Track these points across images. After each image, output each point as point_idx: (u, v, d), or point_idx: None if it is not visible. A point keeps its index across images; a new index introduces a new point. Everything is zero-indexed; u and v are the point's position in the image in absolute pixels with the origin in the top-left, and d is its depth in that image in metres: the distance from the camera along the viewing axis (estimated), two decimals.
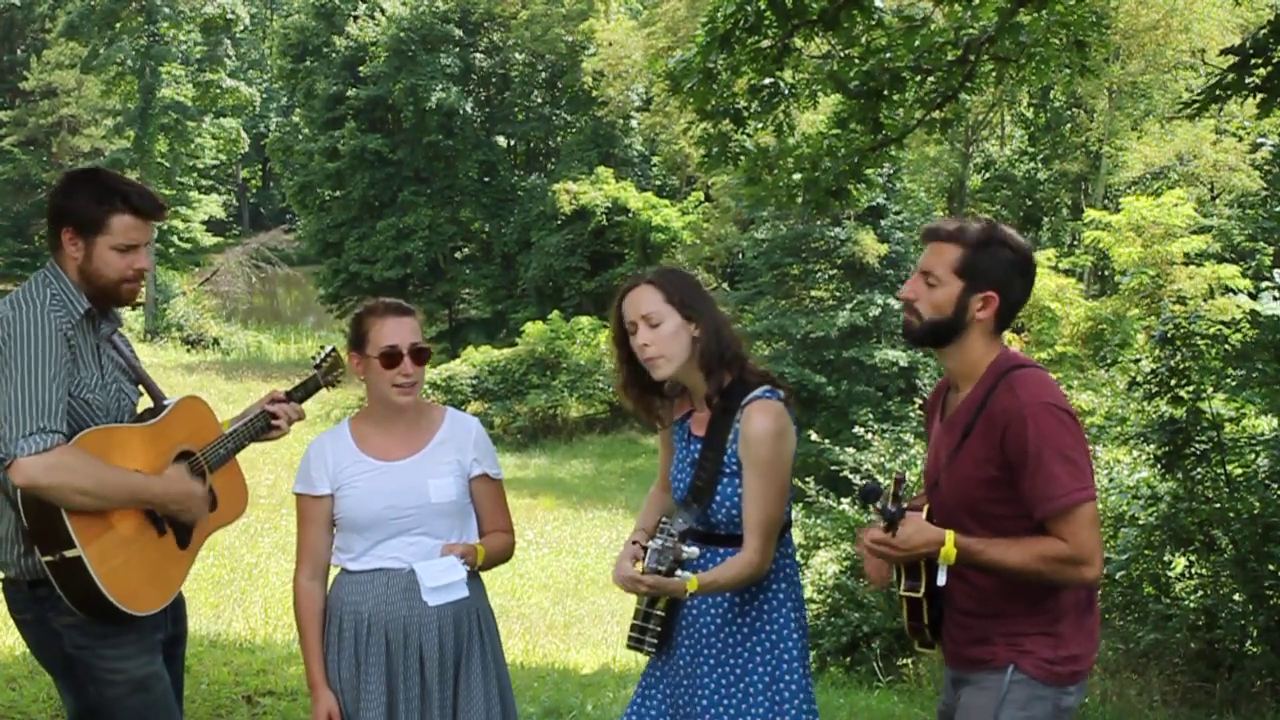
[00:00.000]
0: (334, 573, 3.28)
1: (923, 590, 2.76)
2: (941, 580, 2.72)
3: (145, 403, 3.19)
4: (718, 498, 2.98)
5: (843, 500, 9.63)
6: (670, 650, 3.11)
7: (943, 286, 2.73)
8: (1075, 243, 29.55)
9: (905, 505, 2.72)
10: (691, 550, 2.79)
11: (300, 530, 3.25)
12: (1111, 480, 7.72)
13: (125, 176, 3.10)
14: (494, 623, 3.33)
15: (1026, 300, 2.82)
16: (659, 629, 3.02)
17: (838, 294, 27.67)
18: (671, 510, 3.31)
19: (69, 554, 2.77)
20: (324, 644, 3.22)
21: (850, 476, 9.99)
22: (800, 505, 10.43)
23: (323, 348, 3.55)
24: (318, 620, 3.19)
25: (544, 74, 39.11)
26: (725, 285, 33.91)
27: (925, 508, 2.81)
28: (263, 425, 3.30)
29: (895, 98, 7.53)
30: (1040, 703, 2.71)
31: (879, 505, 2.69)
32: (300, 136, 39.60)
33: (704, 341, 2.96)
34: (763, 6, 7.04)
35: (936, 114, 7.78)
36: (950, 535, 2.64)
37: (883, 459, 9.74)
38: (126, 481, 2.88)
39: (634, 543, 3.09)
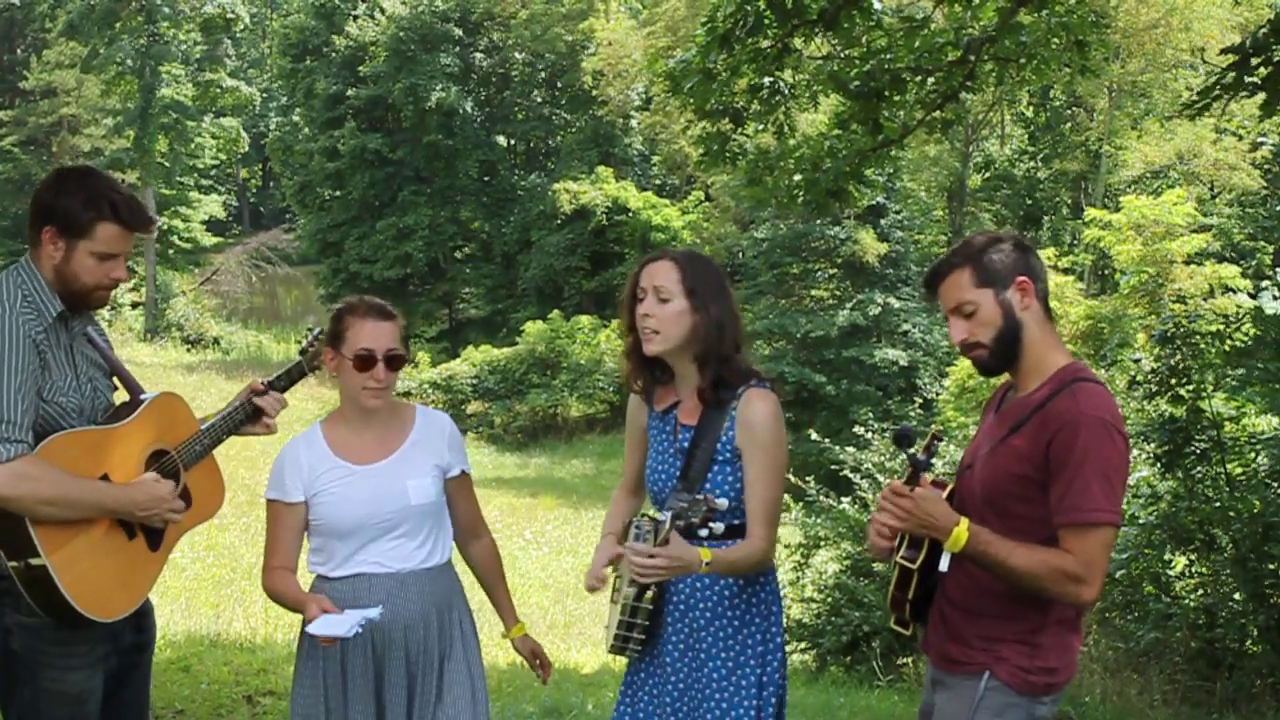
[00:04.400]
0: (310, 580, 3.22)
1: (918, 563, 2.77)
2: (944, 566, 2.72)
3: (121, 395, 3.13)
4: (708, 485, 2.98)
5: (843, 500, 9.63)
6: (657, 648, 3.08)
7: (980, 307, 2.74)
8: (1075, 242, 29.54)
9: (935, 461, 2.70)
10: (721, 501, 2.70)
11: (270, 532, 3.20)
12: None
13: (116, 181, 3.02)
14: (471, 617, 3.31)
15: (1045, 271, 2.82)
16: (646, 624, 3.00)
17: (838, 293, 27.68)
18: (634, 513, 3.29)
19: (34, 562, 2.73)
20: (302, 650, 3.18)
21: (850, 476, 9.99)
22: (800, 505, 10.42)
23: (310, 330, 3.44)
24: (296, 585, 3.15)
25: (544, 73, 39.09)
26: None
27: (949, 488, 2.82)
28: (242, 418, 3.22)
29: (895, 98, 7.54)
30: (1014, 710, 2.71)
31: (910, 450, 2.69)
32: (300, 136, 39.60)
33: (704, 333, 2.98)
34: (762, 6, 7.04)
35: (937, 114, 7.79)
36: (965, 521, 2.64)
37: (883, 458, 9.73)
38: (92, 491, 2.82)
39: (637, 526, 3.08)
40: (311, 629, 2.96)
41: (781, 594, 3.21)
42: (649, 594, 2.98)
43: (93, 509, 2.84)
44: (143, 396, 3.09)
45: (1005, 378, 2.91)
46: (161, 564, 3.06)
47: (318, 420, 3.34)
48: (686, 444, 3.02)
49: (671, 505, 2.92)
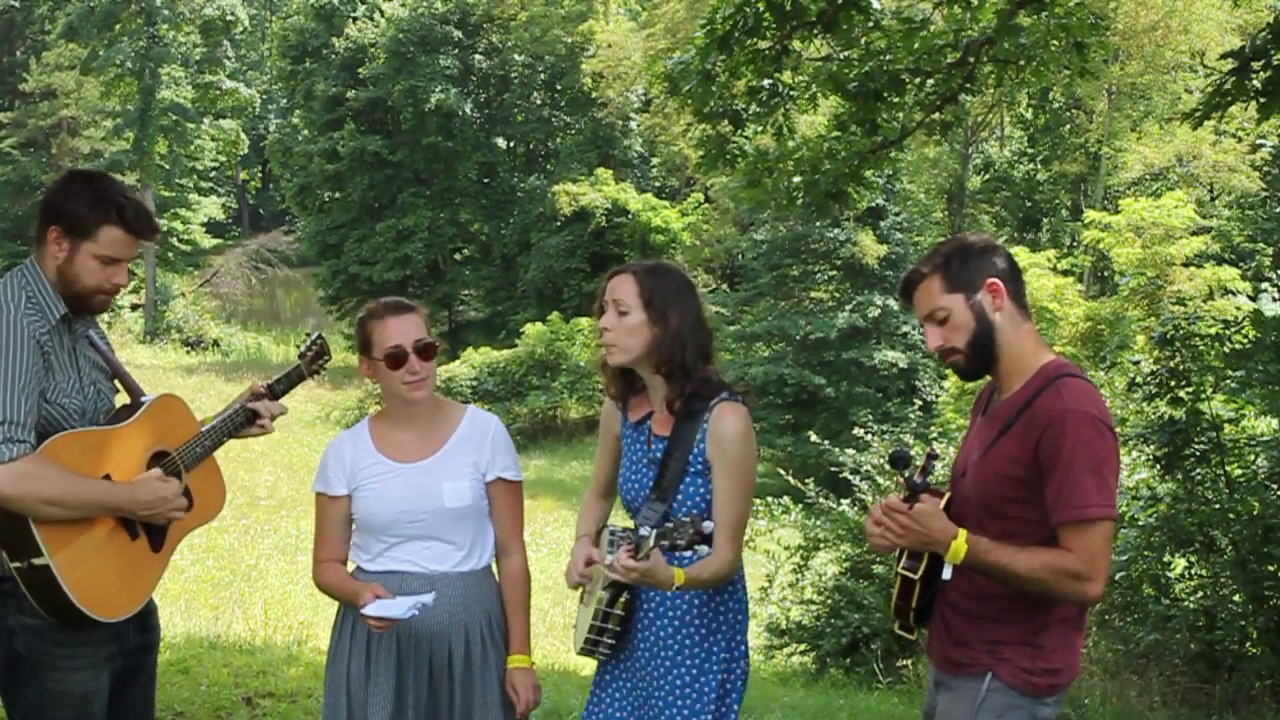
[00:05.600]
0: (350, 568, 3.27)
1: (920, 573, 2.77)
2: (946, 576, 2.72)
3: (122, 398, 3.15)
4: (680, 496, 3.00)
5: (842, 502, 9.64)
6: (629, 651, 3.10)
7: (952, 312, 2.76)
8: (1074, 244, 29.56)
9: (931, 481, 2.71)
10: (708, 525, 2.70)
11: (318, 525, 3.26)
12: None
13: (125, 187, 3.05)
14: (504, 626, 3.28)
15: (1020, 270, 2.84)
16: (617, 629, 3.03)
17: (837, 295, 27.67)
18: (605, 517, 3.29)
19: (37, 562, 2.74)
20: (337, 633, 3.22)
21: (850, 478, 9.99)
22: (800, 506, 10.42)
23: (308, 335, 3.44)
24: (346, 576, 3.20)
25: (543, 75, 39.11)
26: (725, 286, 33.93)
27: (946, 497, 2.82)
28: (242, 421, 3.24)
29: (894, 100, 7.54)
30: (1016, 712, 2.71)
31: (906, 473, 2.69)
32: (300, 138, 39.60)
33: (663, 344, 2.99)
34: (761, 8, 7.04)
35: (936, 116, 7.79)
36: (963, 533, 2.64)
37: (882, 460, 9.74)
38: (95, 491, 2.83)
39: (614, 533, 3.10)
40: (367, 610, 2.99)
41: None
42: (622, 599, 2.99)
43: (96, 508, 2.84)
44: (143, 399, 3.10)
45: (989, 379, 2.91)
46: (164, 565, 3.07)
47: (367, 416, 3.37)
48: (660, 455, 3.04)
49: (647, 518, 2.96)
